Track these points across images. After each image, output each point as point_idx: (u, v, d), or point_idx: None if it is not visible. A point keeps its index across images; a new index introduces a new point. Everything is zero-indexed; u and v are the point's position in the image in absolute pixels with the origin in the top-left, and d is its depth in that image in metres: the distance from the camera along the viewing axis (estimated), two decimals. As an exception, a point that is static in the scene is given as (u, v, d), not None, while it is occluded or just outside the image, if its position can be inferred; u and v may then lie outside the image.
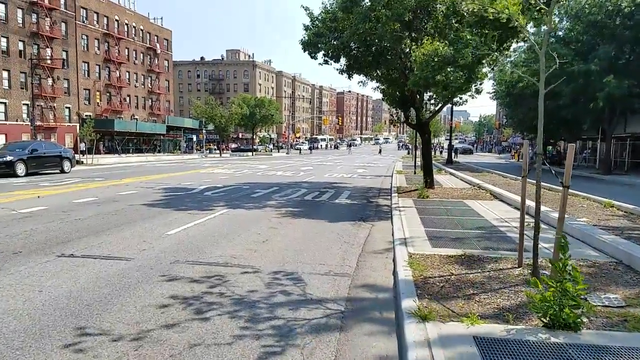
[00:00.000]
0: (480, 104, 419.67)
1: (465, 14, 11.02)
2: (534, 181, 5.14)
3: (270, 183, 18.10)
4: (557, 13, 30.30)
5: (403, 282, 4.97)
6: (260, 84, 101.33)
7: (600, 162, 37.66)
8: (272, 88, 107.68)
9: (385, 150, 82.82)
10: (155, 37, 69.05)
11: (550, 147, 49.24)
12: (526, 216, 9.90)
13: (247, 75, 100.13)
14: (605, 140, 33.84)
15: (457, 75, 9.77)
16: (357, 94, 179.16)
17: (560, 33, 33.00)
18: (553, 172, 5.03)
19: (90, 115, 57.41)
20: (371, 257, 6.54)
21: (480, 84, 11.12)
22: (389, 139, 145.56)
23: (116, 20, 60.70)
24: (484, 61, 10.24)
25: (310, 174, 24.67)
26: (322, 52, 15.16)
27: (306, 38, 14.93)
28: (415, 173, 24.11)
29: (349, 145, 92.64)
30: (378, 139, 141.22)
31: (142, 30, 65.97)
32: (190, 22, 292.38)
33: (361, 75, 17.53)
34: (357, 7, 13.52)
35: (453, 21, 11.66)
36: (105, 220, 8.92)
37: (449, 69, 9.93)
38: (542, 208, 9.84)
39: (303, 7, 15.62)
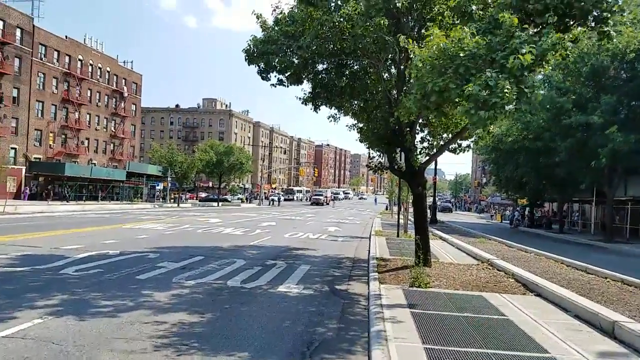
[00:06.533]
0: (455, 161, 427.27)
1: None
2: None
3: (200, 248, 12.93)
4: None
5: None
6: (236, 133, 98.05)
7: (597, 227, 33.97)
8: (249, 138, 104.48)
9: (362, 204, 78.55)
10: (123, 80, 65.15)
11: (534, 208, 45.52)
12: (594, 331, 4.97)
13: (223, 124, 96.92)
14: (606, 203, 30.22)
15: (502, 84, 5.34)
16: (336, 147, 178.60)
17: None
18: None
19: (39, 158, 51.89)
20: None
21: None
22: (348, 193, 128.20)
23: (79, 59, 56.77)
24: (548, 59, 5.90)
25: (268, 232, 19.57)
26: (275, 66, 10.72)
27: (251, 46, 10.51)
28: (398, 235, 19.37)
29: (334, 199, 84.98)
30: (319, 192, 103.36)
31: (108, 72, 62.09)
32: (172, 71, 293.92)
33: (332, 108, 13.17)
34: (324, 1, 9.32)
35: (473, 7, 7.45)
36: None
37: (488, 74, 5.52)
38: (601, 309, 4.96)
39: (255, 14, 11.36)
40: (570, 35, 6.60)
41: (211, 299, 6.86)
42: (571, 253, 16.78)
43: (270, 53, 10.10)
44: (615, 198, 28.94)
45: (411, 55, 7.64)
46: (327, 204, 71.33)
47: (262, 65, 10.82)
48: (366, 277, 9.48)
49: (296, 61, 10.74)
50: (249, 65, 10.57)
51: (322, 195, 74.53)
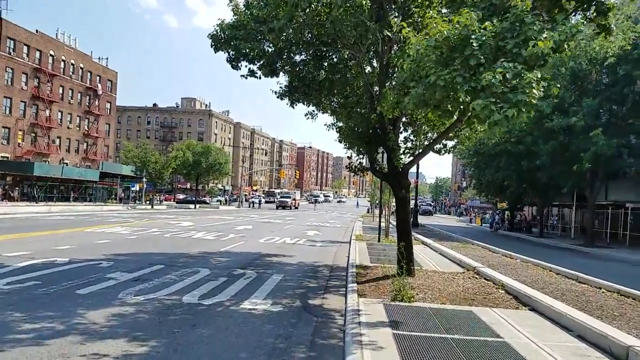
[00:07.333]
0: (436, 164, 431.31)
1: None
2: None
3: (163, 255, 11.79)
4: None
5: None
6: (216, 134, 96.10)
7: (577, 231, 33.96)
8: (229, 139, 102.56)
9: (343, 207, 77.78)
10: (98, 77, 62.82)
11: (514, 212, 45.47)
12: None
13: (203, 125, 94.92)
14: (587, 207, 30.13)
15: (529, 77, 4.61)
16: (318, 150, 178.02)
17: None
18: None
19: (7, 157, 49.48)
20: None
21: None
22: (329, 196, 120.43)
23: (51, 55, 54.37)
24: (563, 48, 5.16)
25: (243, 236, 18.48)
26: (246, 53, 9.71)
27: (218, 31, 9.49)
28: (380, 240, 18.54)
29: (315, 202, 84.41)
30: (286, 194, 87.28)
31: (82, 68, 59.73)
32: (150, 70, 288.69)
33: (310, 105, 12.24)
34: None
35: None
36: None
37: (506, 64, 4.76)
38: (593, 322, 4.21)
39: (227, -1, 10.33)
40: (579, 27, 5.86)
41: (158, 320, 5.80)
42: (555, 258, 16.36)
43: (239, 39, 9.10)
44: (596, 202, 28.85)
45: (395, 47, 6.75)
46: (296, 207, 63.18)
47: (231, 52, 9.82)
48: (344, 289, 8.57)
49: (269, 49, 9.78)
50: (215, 52, 9.58)
51: (289, 197, 64.71)
